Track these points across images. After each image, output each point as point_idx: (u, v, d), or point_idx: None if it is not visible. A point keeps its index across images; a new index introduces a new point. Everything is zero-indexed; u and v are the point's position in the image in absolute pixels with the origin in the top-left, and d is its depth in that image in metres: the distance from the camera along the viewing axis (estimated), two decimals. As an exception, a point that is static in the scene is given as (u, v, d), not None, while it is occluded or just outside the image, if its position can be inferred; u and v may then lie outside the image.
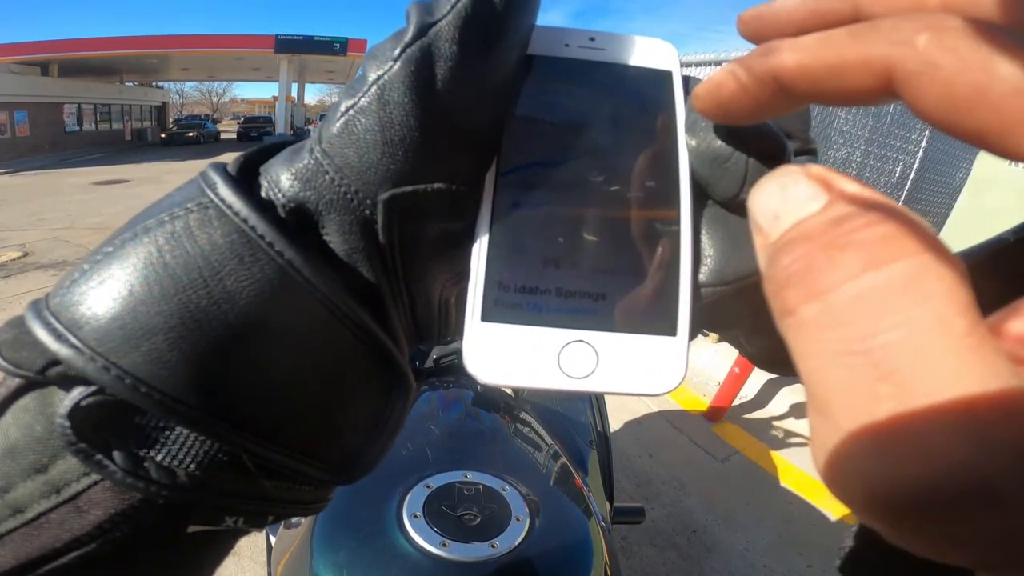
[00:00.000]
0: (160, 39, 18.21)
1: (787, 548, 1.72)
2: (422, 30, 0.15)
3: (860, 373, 0.08)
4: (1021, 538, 0.07)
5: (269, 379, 0.15)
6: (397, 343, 0.17)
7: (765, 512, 1.86)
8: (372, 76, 0.15)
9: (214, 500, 0.15)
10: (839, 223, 0.10)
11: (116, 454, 0.14)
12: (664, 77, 0.19)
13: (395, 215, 0.16)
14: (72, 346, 0.13)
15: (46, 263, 4.23)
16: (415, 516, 0.59)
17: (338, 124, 0.15)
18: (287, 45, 18.38)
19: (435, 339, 0.20)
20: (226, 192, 0.15)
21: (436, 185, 0.16)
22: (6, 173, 10.48)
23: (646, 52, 0.19)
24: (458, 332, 0.18)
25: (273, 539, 0.74)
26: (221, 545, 0.18)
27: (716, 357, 2.70)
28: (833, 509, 1.85)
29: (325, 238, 0.16)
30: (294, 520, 0.68)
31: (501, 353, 0.17)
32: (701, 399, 2.53)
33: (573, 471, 0.77)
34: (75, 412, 0.14)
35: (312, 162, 0.16)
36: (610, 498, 1.01)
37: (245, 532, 0.18)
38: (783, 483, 2.02)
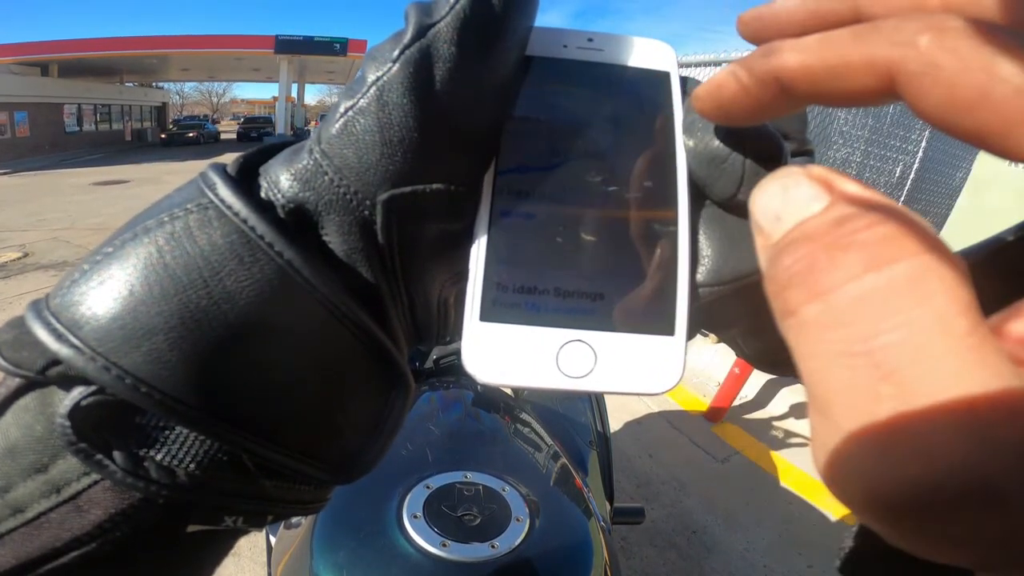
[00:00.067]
0: (160, 39, 18.22)
1: (787, 548, 1.72)
2: (421, 31, 0.15)
3: (861, 373, 0.08)
4: (1022, 538, 0.07)
5: (269, 379, 0.15)
6: (396, 343, 0.18)
7: (765, 512, 1.86)
8: (371, 77, 0.15)
9: (214, 500, 0.15)
10: (841, 223, 0.10)
11: (116, 454, 0.14)
12: (662, 78, 0.19)
13: (394, 215, 0.16)
14: (72, 346, 0.13)
15: (46, 264, 4.23)
16: (415, 516, 0.59)
17: (337, 125, 0.16)
18: (287, 45, 18.39)
19: (434, 339, 0.20)
20: (226, 193, 0.15)
21: (435, 186, 0.16)
22: (6, 173, 10.48)
23: (644, 53, 0.19)
24: (457, 332, 0.18)
25: (273, 539, 0.74)
26: (221, 545, 0.19)
27: (716, 357, 2.70)
28: (833, 509, 1.85)
29: (324, 238, 0.16)
30: (294, 520, 0.68)
31: (500, 353, 0.17)
32: (701, 399, 2.53)
33: (573, 471, 0.77)
34: (75, 412, 0.14)
35: (311, 163, 0.16)
36: (610, 498, 1.01)
37: (245, 532, 0.18)
38: (783, 483, 2.01)
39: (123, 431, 0.14)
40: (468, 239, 0.17)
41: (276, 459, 0.16)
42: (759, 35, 0.15)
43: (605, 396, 1.13)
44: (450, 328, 0.20)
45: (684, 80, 0.19)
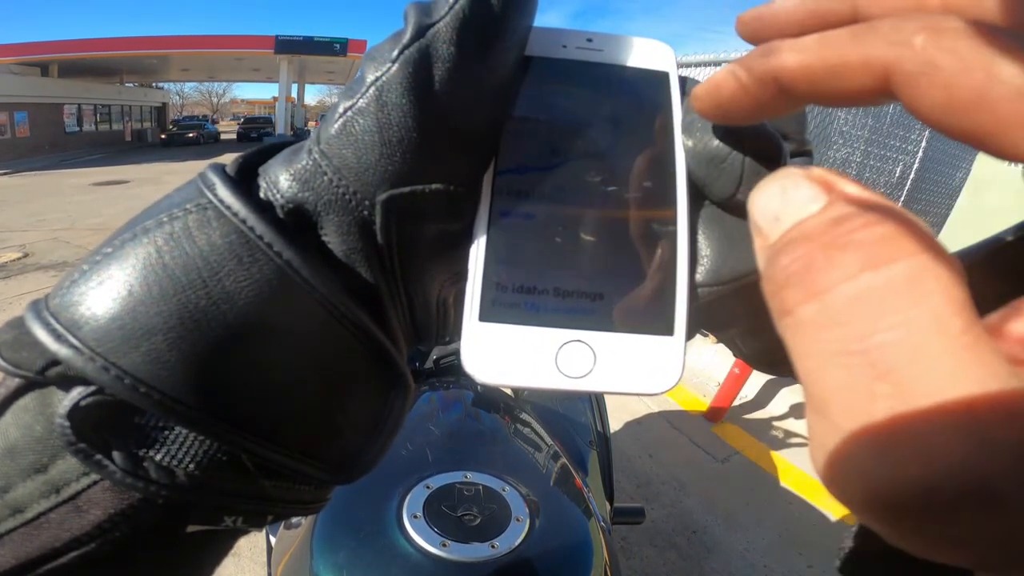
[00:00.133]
0: (160, 40, 18.22)
1: (787, 548, 1.72)
2: (420, 31, 0.15)
3: (857, 373, 0.08)
4: (1021, 539, 0.07)
5: (268, 379, 0.15)
6: (395, 343, 0.18)
7: (765, 512, 1.86)
8: (370, 77, 0.15)
9: (213, 500, 0.15)
10: (838, 223, 0.10)
11: (116, 454, 0.14)
12: (661, 78, 0.19)
13: (393, 216, 0.16)
14: (72, 346, 0.13)
15: (46, 264, 4.23)
16: (415, 516, 0.59)
17: (336, 125, 0.16)
18: (287, 46, 18.39)
19: (433, 339, 0.20)
20: (225, 193, 0.15)
21: (434, 186, 0.16)
22: (6, 174, 10.48)
23: (643, 53, 0.19)
24: (456, 332, 0.18)
25: (273, 539, 0.74)
26: (220, 545, 0.19)
27: (716, 357, 2.70)
28: (833, 509, 1.85)
29: (324, 239, 0.16)
30: (294, 520, 0.68)
31: (499, 353, 0.17)
32: (701, 399, 2.52)
33: (573, 471, 0.77)
34: (75, 412, 0.14)
35: (311, 163, 0.16)
36: (610, 498, 1.01)
37: (244, 532, 0.18)
38: (783, 483, 2.01)
39: (122, 431, 0.14)
40: (467, 239, 0.17)
41: (276, 459, 0.16)
42: (758, 35, 0.15)
43: (605, 396, 1.13)
44: (449, 328, 0.20)
45: (683, 80, 0.19)
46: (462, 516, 0.60)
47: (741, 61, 0.14)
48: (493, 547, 0.57)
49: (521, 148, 0.18)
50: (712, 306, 0.18)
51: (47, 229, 5.40)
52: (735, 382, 2.36)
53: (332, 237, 0.16)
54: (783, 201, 0.11)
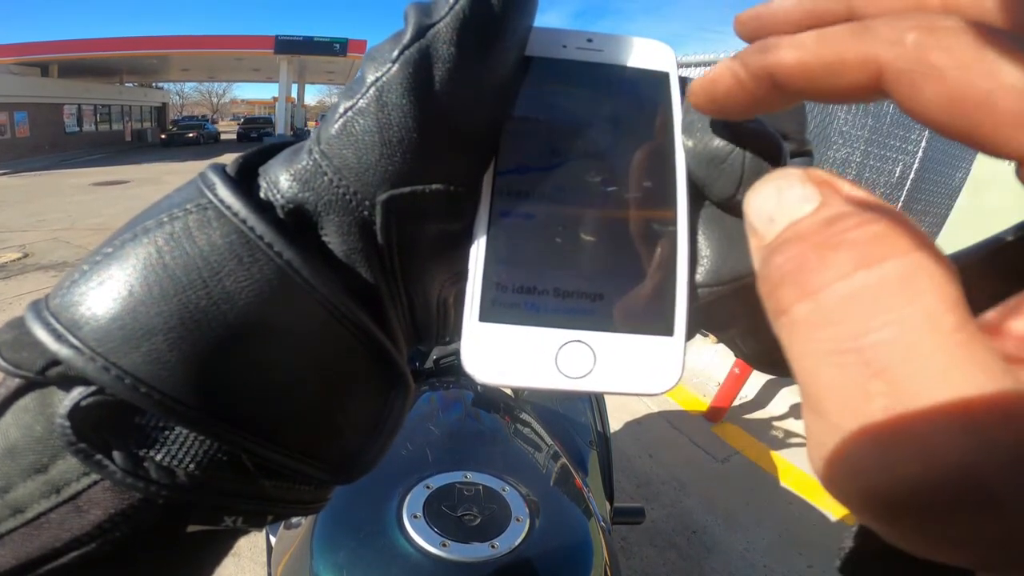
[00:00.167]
0: (160, 40, 18.23)
1: (787, 548, 1.72)
2: (420, 32, 0.15)
3: (852, 371, 0.08)
4: (1020, 539, 0.07)
5: (268, 379, 0.15)
6: (396, 343, 0.18)
7: (765, 512, 1.86)
8: (370, 78, 0.15)
9: (214, 500, 0.15)
10: (832, 223, 0.10)
11: (116, 454, 0.14)
12: (661, 78, 0.19)
13: (393, 216, 0.16)
14: (72, 346, 0.13)
15: (46, 264, 4.23)
16: (415, 516, 0.59)
17: (336, 125, 0.16)
18: (287, 46, 18.39)
19: (433, 339, 0.20)
20: (225, 193, 0.15)
21: (434, 186, 0.16)
22: (6, 174, 10.48)
23: (643, 53, 0.19)
24: (456, 332, 0.18)
25: (273, 539, 0.74)
26: (221, 545, 0.19)
27: (716, 357, 2.70)
28: (833, 509, 1.85)
29: (324, 239, 0.16)
30: (294, 520, 0.68)
31: (499, 353, 0.17)
32: (701, 399, 2.52)
33: (573, 471, 0.77)
34: (75, 412, 0.14)
35: (311, 163, 0.16)
36: (610, 498, 1.01)
37: (245, 532, 0.18)
38: (783, 483, 2.01)
39: (123, 431, 0.14)
40: (467, 239, 0.17)
41: (276, 459, 0.16)
42: (756, 34, 0.15)
43: (605, 396, 1.13)
44: (450, 328, 0.20)
45: (683, 80, 0.19)
46: (462, 516, 0.60)
47: (737, 56, 0.14)
48: (493, 547, 0.57)
49: (521, 148, 0.18)
50: (712, 306, 0.18)
51: (47, 229, 5.40)
52: (735, 382, 2.36)
53: (332, 237, 0.16)
54: (778, 202, 0.11)
